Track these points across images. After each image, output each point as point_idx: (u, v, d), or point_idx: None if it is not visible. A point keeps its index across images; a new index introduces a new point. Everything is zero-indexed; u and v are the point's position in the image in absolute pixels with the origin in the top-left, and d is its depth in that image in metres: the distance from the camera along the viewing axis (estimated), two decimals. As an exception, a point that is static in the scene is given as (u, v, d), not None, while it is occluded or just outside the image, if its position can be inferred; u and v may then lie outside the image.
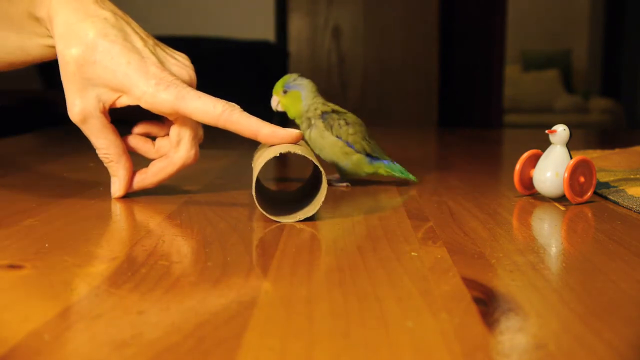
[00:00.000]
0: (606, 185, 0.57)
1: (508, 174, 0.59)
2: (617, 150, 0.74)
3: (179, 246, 0.38)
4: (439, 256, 0.35)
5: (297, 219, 0.44)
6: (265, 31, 2.79)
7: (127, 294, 0.28)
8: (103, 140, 0.48)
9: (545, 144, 0.52)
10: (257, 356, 0.22)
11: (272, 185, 0.61)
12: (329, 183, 0.59)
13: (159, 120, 0.52)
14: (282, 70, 2.31)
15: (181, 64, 0.50)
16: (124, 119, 0.53)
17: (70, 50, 0.46)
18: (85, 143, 0.50)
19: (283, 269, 0.32)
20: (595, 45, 5.15)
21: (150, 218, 0.45)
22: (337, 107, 0.58)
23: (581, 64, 5.27)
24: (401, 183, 0.60)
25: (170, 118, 0.48)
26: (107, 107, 0.48)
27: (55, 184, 0.59)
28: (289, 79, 0.58)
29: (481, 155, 0.91)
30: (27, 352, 0.22)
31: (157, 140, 0.52)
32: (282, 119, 0.60)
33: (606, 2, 4.96)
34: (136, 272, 0.31)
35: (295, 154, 0.44)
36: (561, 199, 0.52)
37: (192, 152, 0.50)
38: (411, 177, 0.60)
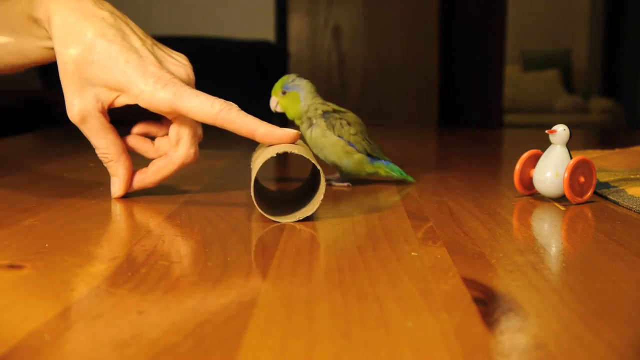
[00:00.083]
0: (606, 185, 0.57)
1: (508, 174, 0.59)
2: (617, 150, 0.74)
3: (179, 246, 0.38)
4: (439, 256, 0.35)
5: (296, 219, 0.44)
6: (265, 31, 2.79)
7: (127, 294, 0.28)
8: (102, 140, 0.48)
9: (545, 144, 0.52)
10: (257, 356, 0.22)
11: (271, 185, 0.61)
12: (330, 183, 0.59)
13: (158, 120, 0.52)
14: (282, 70, 2.31)
15: (179, 63, 0.50)
16: (123, 119, 0.53)
17: (68, 51, 0.46)
18: (85, 143, 0.50)
19: (283, 269, 0.32)
20: (595, 45, 5.15)
21: (150, 218, 0.45)
22: (336, 107, 0.58)
23: (581, 64, 5.27)
24: (400, 183, 0.60)
25: (169, 117, 0.48)
26: (106, 106, 0.48)
27: (55, 184, 0.59)
28: (288, 79, 0.58)
29: (481, 155, 0.91)
30: (27, 352, 0.22)
31: (157, 139, 0.52)
32: (282, 120, 0.60)
33: (606, 2, 4.96)
34: (136, 272, 0.31)
35: (294, 154, 0.44)
36: (561, 199, 0.52)
37: (192, 150, 0.50)
38: (409, 178, 0.60)
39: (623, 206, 0.50)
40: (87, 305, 0.27)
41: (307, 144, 0.57)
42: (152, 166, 0.51)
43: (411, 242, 0.38)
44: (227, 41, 2.36)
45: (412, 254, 0.35)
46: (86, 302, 0.27)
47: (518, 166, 0.53)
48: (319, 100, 0.58)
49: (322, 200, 0.44)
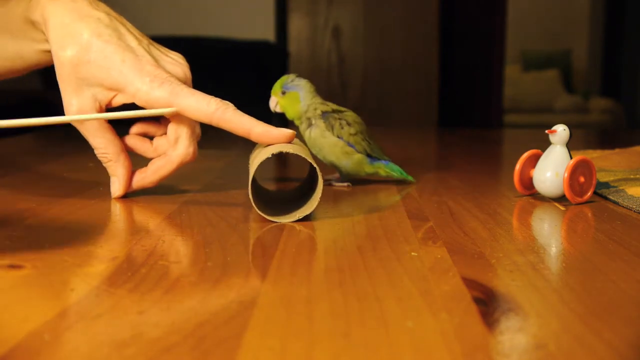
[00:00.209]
0: (606, 185, 0.57)
1: (508, 174, 0.59)
2: (617, 150, 0.74)
3: (178, 246, 0.38)
4: (439, 256, 0.35)
5: (294, 219, 0.44)
6: (265, 31, 2.79)
7: (127, 294, 0.28)
8: (101, 140, 0.48)
9: (545, 144, 0.52)
10: (257, 356, 0.22)
11: (270, 185, 0.61)
12: (330, 183, 0.59)
13: (156, 119, 0.52)
14: (282, 70, 2.31)
15: (176, 61, 0.50)
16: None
17: (65, 52, 0.46)
18: (85, 143, 0.50)
19: (283, 269, 0.32)
20: (595, 45, 5.15)
21: (150, 218, 0.45)
22: (336, 106, 0.58)
23: (581, 64, 5.27)
24: (400, 183, 0.60)
25: (167, 116, 0.49)
26: (104, 106, 0.48)
27: (55, 184, 0.59)
28: (287, 79, 0.58)
29: (481, 155, 0.91)
30: (27, 352, 0.22)
31: (155, 139, 0.52)
32: (281, 120, 0.60)
33: (606, 2, 4.96)
34: (136, 272, 0.31)
35: (293, 154, 0.44)
36: (561, 199, 0.52)
37: (191, 149, 0.50)
38: (409, 177, 0.60)
39: (623, 206, 0.50)
40: (87, 305, 0.27)
41: (306, 144, 0.57)
42: (152, 165, 0.51)
43: (411, 242, 0.38)
44: (227, 41, 2.36)
45: (412, 254, 0.35)
46: (86, 302, 0.27)
47: (518, 166, 0.53)
48: (318, 100, 0.58)
49: (322, 200, 0.44)
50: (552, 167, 0.50)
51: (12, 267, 0.32)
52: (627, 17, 4.67)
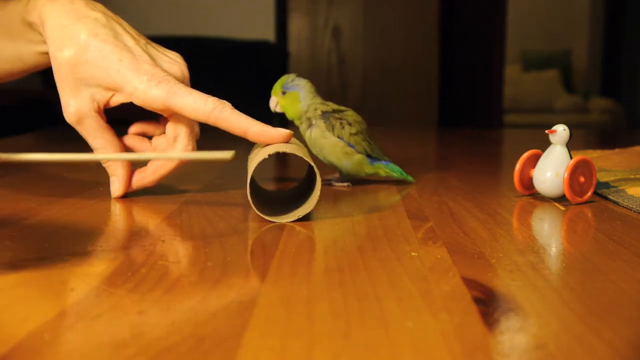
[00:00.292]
0: (606, 185, 0.57)
1: (508, 174, 0.59)
2: (617, 150, 0.74)
3: (178, 246, 0.38)
4: (439, 256, 0.35)
5: (293, 219, 0.44)
6: (265, 31, 2.79)
7: (127, 294, 0.28)
8: (99, 140, 0.48)
9: (545, 144, 0.52)
10: (257, 356, 0.22)
11: (270, 185, 0.61)
12: (330, 183, 0.59)
13: (155, 119, 0.52)
14: (282, 70, 2.31)
15: (173, 60, 0.50)
16: (120, 119, 0.53)
17: (62, 52, 0.46)
18: (84, 143, 0.50)
19: (283, 269, 0.32)
20: (595, 45, 5.15)
21: (150, 218, 0.45)
22: (336, 106, 0.58)
23: (581, 64, 5.27)
24: (400, 183, 0.60)
25: (164, 114, 0.49)
26: (102, 106, 0.48)
27: (55, 184, 0.59)
28: (287, 79, 0.58)
29: (481, 155, 0.91)
30: (27, 352, 0.22)
31: (154, 139, 0.52)
32: (282, 121, 0.60)
33: (606, 2, 4.96)
34: (136, 272, 0.31)
35: (292, 153, 0.44)
36: (561, 199, 0.52)
37: (190, 147, 0.50)
38: (409, 178, 0.60)
39: (623, 206, 0.50)
40: (87, 305, 0.27)
41: (306, 145, 0.57)
42: (151, 165, 0.51)
43: (411, 242, 0.38)
44: (227, 41, 2.36)
45: (412, 254, 0.35)
46: (86, 302, 0.27)
47: (518, 166, 0.53)
48: (318, 100, 0.58)
49: (322, 200, 0.44)
50: (552, 167, 0.50)
51: (12, 267, 0.32)
52: (627, 17, 4.67)
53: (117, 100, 0.47)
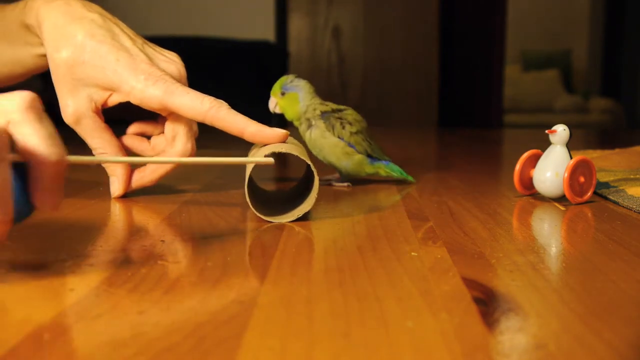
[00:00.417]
0: (606, 185, 0.57)
1: (508, 174, 0.59)
2: (617, 150, 0.74)
3: (178, 246, 0.38)
4: (439, 256, 0.35)
5: (291, 219, 0.44)
6: (265, 31, 2.79)
7: (127, 294, 0.28)
8: (98, 140, 0.49)
9: (545, 144, 0.52)
10: (257, 356, 0.22)
11: (268, 185, 0.61)
12: (330, 183, 0.59)
13: (154, 119, 0.52)
14: (282, 70, 2.31)
15: (170, 60, 0.50)
16: (119, 119, 0.53)
17: (60, 53, 0.46)
18: (84, 143, 0.50)
19: (283, 269, 0.32)
20: (595, 45, 5.15)
21: (150, 218, 0.45)
22: (335, 105, 0.58)
23: (581, 64, 5.27)
24: (400, 182, 0.60)
25: (162, 114, 0.49)
26: (100, 106, 0.48)
27: (55, 184, 0.58)
28: (286, 80, 0.58)
29: (481, 155, 0.91)
30: (27, 352, 0.22)
31: (153, 138, 0.52)
32: (281, 121, 0.60)
33: (606, 2, 4.96)
34: (136, 272, 0.31)
35: (291, 154, 0.44)
36: (561, 199, 0.52)
37: (189, 145, 0.50)
38: (409, 177, 0.60)
39: (623, 206, 0.50)
40: (86, 305, 0.27)
41: (306, 146, 0.57)
42: (150, 165, 0.51)
43: (411, 242, 0.38)
44: (227, 41, 2.36)
45: (412, 254, 0.35)
46: (86, 302, 0.27)
47: (518, 166, 0.53)
48: (317, 100, 0.58)
49: (322, 200, 0.44)
50: (552, 167, 0.50)
51: (12, 267, 0.32)
52: (627, 17, 4.67)
53: (114, 99, 0.47)
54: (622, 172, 0.63)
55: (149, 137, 0.52)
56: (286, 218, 0.44)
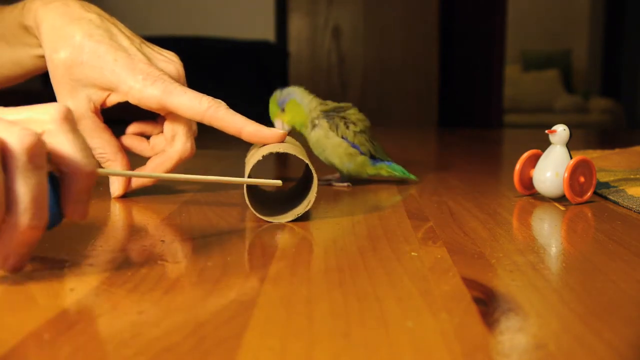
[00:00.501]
0: (606, 185, 0.57)
1: (508, 174, 0.59)
2: (617, 150, 0.74)
3: (178, 246, 0.38)
4: (439, 256, 0.35)
5: (290, 219, 0.44)
6: (265, 31, 2.79)
7: (127, 294, 0.28)
8: (97, 140, 0.49)
9: (545, 144, 0.52)
10: (257, 356, 0.22)
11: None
12: (330, 183, 0.59)
13: (153, 119, 0.52)
14: (282, 70, 2.31)
15: (168, 59, 0.50)
16: (118, 119, 0.53)
17: (58, 54, 0.46)
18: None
19: (283, 269, 0.32)
20: (595, 45, 5.15)
21: (150, 218, 0.45)
22: (335, 104, 0.58)
23: (581, 64, 5.27)
24: (401, 182, 0.60)
25: (161, 113, 0.49)
26: (98, 106, 0.48)
27: (55, 184, 0.58)
28: (278, 96, 0.57)
29: (481, 155, 0.91)
30: (27, 353, 0.22)
31: (152, 138, 0.52)
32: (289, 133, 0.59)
33: (606, 2, 4.96)
34: (136, 272, 0.31)
35: (291, 154, 0.44)
36: (561, 199, 0.52)
37: (188, 144, 0.50)
38: (412, 176, 0.60)
39: (623, 206, 0.50)
40: (86, 305, 0.27)
41: (306, 146, 0.57)
42: (150, 164, 0.51)
43: (411, 242, 0.38)
44: (227, 41, 2.36)
45: (412, 254, 0.35)
46: (86, 302, 0.27)
47: (518, 166, 0.53)
48: (317, 100, 0.58)
49: (322, 200, 0.44)
50: (552, 167, 0.50)
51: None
52: (627, 17, 4.67)
53: (113, 100, 0.47)
54: (622, 172, 0.63)
55: (148, 137, 0.52)
56: (285, 218, 0.44)
